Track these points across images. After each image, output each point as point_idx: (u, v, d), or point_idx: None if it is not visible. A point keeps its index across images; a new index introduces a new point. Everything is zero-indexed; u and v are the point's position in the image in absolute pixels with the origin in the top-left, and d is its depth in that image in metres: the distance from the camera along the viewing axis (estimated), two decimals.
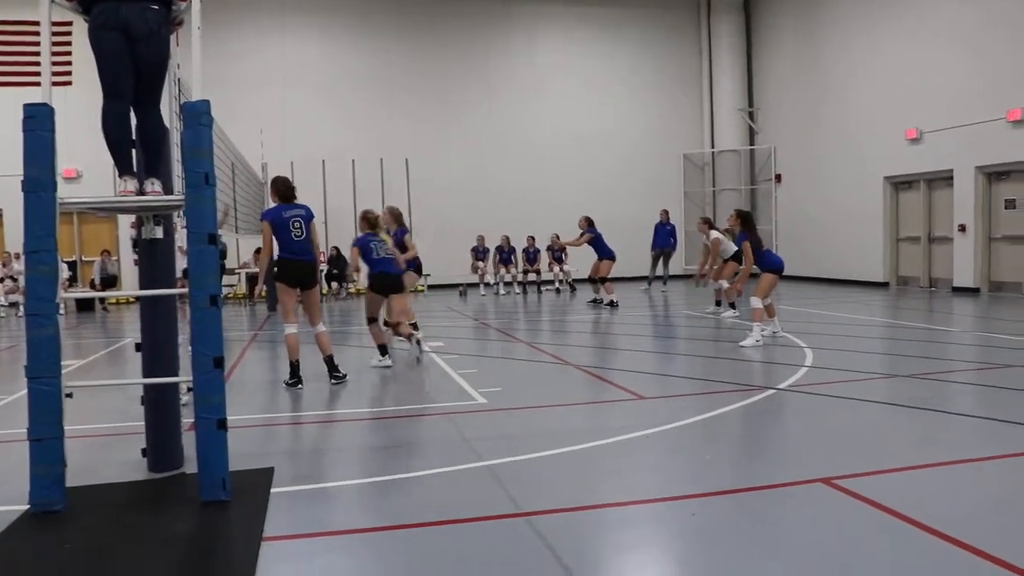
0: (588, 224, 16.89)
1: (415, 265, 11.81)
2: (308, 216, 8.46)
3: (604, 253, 16.38)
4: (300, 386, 8.28)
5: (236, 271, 20.27)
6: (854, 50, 19.88)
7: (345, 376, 8.61)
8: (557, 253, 21.07)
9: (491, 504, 4.53)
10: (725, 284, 13.84)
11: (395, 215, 11.68)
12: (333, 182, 22.08)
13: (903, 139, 18.27)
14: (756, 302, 10.42)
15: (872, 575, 3.52)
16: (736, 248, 13.57)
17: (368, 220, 9.79)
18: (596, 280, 16.55)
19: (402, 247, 10.92)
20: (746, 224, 10.88)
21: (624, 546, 3.99)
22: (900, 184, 19.07)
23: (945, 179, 17.49)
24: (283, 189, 8.52)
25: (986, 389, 7.42)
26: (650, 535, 4.17)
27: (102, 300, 19.21)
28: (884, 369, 8.79)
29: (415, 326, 10.50)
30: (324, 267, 20.65)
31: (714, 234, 14.18)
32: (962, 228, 16.90)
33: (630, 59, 24.57)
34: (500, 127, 23.47)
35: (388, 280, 9.56)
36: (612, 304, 15.66)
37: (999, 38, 15.64)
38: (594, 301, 16.48)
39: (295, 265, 8.32)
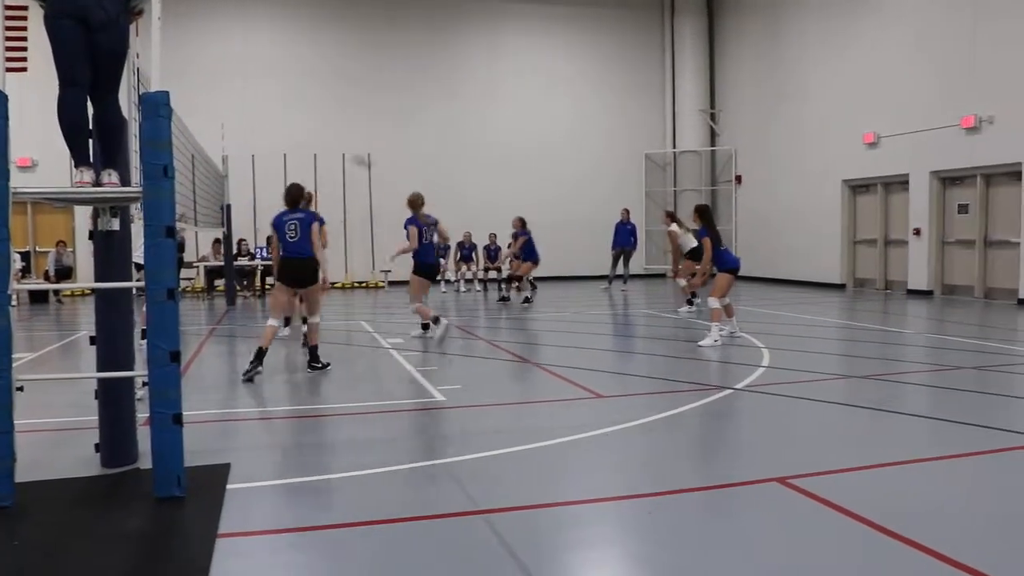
0: (521, 225, 17.12)
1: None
2: (307, 220, 8.73)
3: (530, 255, 16.73)
4: (259, 370, 8.35)
5: (194, 264, 20.01)
6: (815, 55, 20.14)
7: (326, 366, 8.91)
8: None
9: (449, 502, 4.53)
10: (683, 282, 14.01)
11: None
12: (294, 176, 21.84)
13: (861, 143, 18.56)
14: (714, 302, 10.51)
15: (825, 574, 3.58)
16: (696, 244, 13.80)
17: (417, 203, 11.08)
18: (513, 278, 17.05)
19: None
20: (704, 219, 10.94)
21: (581, 544, 4.01)
22: (857, 187, 19.36)
23: (901, 183, 17.80)
24: (288, 195, 8.98)
25: (938, 390, 7.56)
26: (607, 533, 4.20)
27: (56, 292, 18.86)
28: (839, 370, 8.93)
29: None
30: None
31: (672, 227, 14.40)
32: (917, 232, 17.20)
33: (593, 58, 24.66)
34: (463, 124, 23.43)
35: (432, 269, 11.34)
36: (527, 300, 16.54)
37: (955, 46, 15.94)
38: (503, 299, 17.22)
39: (289, 263, 8.74)
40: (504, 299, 17.12)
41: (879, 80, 17.97)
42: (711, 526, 4.20)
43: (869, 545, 3.82)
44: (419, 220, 10.94)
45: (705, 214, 10.99)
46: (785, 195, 21.41)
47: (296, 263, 8.70)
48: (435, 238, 11.23)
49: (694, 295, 13.99)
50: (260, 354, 8.40)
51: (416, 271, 11.15)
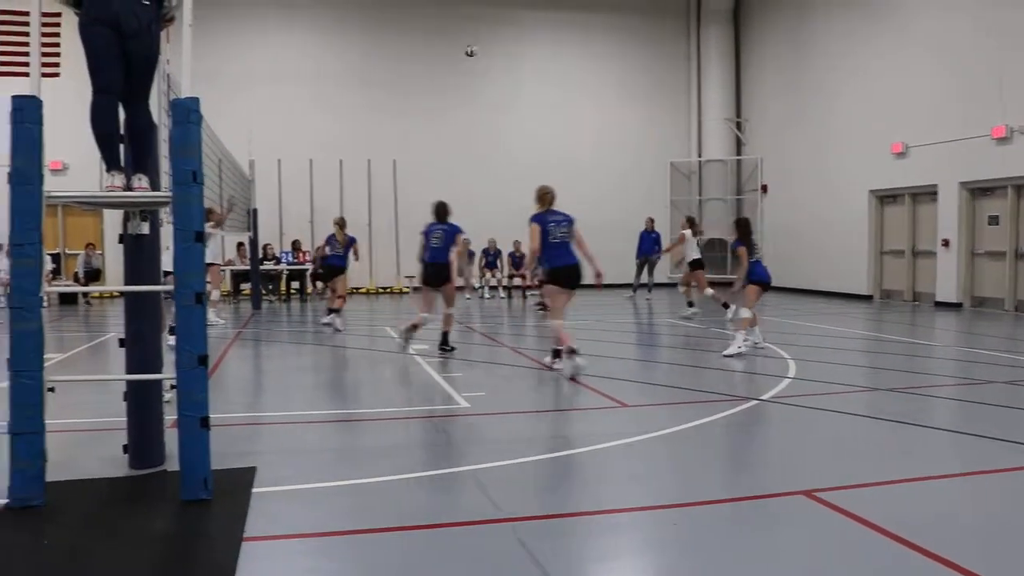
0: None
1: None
2: (452, 231, 10.42)
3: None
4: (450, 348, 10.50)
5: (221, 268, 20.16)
6: (842, 63, 20.00)
7: (453, 349, 10.51)
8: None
9: (474, 509, 4.52)
10: (682, 288, 14.98)
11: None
12: (320, 181, 22.05)
13: (889, 153, 18.39)
14: (746, 312, 10.51)
15: None
16: (697, 256, 15.04)
17: (548, 197, 9.10)
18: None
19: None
20: (741, 231, 10.97)
21: (605, 554, 4.00)
22: (885, 198, 19.20)
23: (930, 194, 17.62)
24: (438, 211, 10.63)
25: (967, 404, 7.47)
26: (631, 544, 4.18)
27: (85, 294, 19.08)
28: (866, 382, 8.84)
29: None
30: (309, 267, 20.62)
31: (685, 231, 15.10)
32: (945, 243, 17.02)
33: (619, 67, 24.63)
34: (488, 131, 23.46)
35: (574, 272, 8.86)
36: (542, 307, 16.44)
37: (985, 56, 15.77)
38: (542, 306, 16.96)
39: (430, 266, 10.48)
40: (543, 306, 16.99)
41: (907, 89, 17.81)
42: (737, 538, 4.16)
43: (897, 560, 3.77)
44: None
45: (744, 227, 11.01)
46: (811, 205, 21.25)
47: (436, 267, 10.41)
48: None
49: (726, 304, 13.89)
50: (445, 337, 10.54)
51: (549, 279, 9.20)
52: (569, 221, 8.92)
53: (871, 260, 19.47)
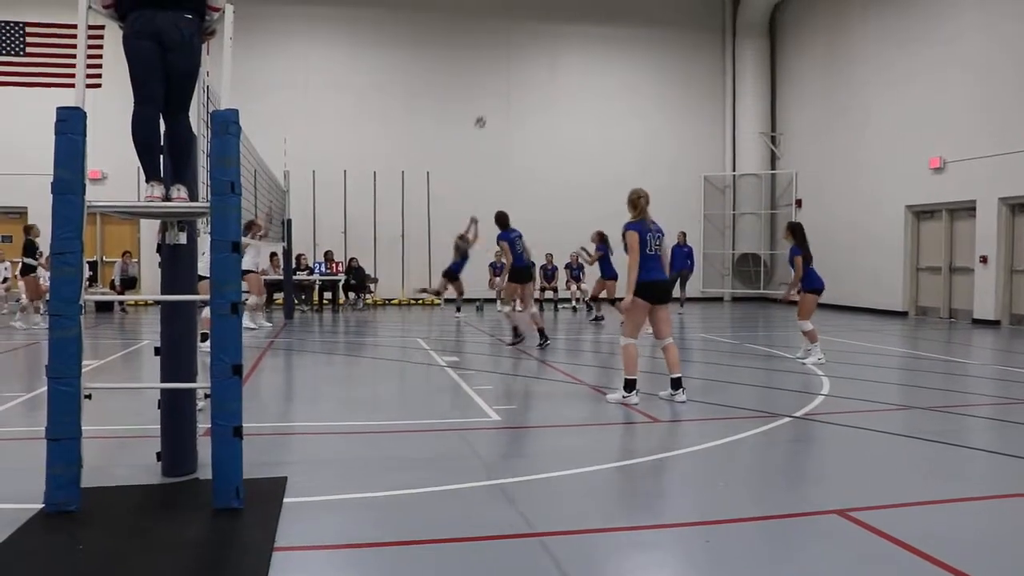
0: (600, 240, 16.96)
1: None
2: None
3: (608, 273, 16.61)
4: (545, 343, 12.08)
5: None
6: (879, 77, 19.83)
7: (547, 340, 12.41)
8: (575, 271, 21.09)
9: (503, 523, 4.51)
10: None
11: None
12: (354, 192, 22.20)
13: (926, 168, 18.19)
14: (807, 324, 10.80)
15: None
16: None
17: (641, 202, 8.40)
18: (596, 299, 17.07)
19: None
20: (797, 237, 11.02)
21: (637, 571, 3.97)
22: (922, 213, 18.98)
23: (968, 209, 17.40)
24: (502, 219, 12.63)
25: (1005, 424, 7.34)
26: (663, 560, 4.14)
27: (121, 302, 19.34)
28: (901, 400, 8.72)
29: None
30: (342, 277, 20.75)
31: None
32: (984, 259, 16.78)
33: (653, 80, 24.61)
34: (521, 144, 23.53)
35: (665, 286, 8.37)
36: (597, 320, 16.97)
37: None
38: (596, 319, 16.96)
39: (519, 269, 12.53)
40: (597, 319, 17.19)
41: (945, 103, 17.62)
42: (769, 557, 4.12)
43: None
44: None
45: (798, 232, 10.99)
46: (847, 220, 21.05)
47: (523, 269, 12.41)
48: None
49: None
50: (541, 333, 12.20)
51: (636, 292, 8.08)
52: (663, 233, 8.42)
53: (907, 276, 19.25)
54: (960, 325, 17.05)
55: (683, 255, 20.26)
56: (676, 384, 8.11)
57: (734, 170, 24.84)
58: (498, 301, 20.63)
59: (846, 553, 4.09)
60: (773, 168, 24.57)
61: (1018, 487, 5.28)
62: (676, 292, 20.11)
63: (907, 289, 19.28)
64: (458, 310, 19.03)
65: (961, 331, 15.94)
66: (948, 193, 17.77)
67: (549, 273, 21.46)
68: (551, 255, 21.39)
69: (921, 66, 18.43)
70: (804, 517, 4.64)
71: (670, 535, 4.42)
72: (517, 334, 12.58)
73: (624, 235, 8.20)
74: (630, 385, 7.98)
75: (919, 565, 3.89)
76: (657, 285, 8.05)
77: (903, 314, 19.13)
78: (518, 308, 13.09)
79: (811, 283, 10.87)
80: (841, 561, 4.00)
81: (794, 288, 10.98)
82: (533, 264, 12.98)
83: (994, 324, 16.45)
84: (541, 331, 12.50)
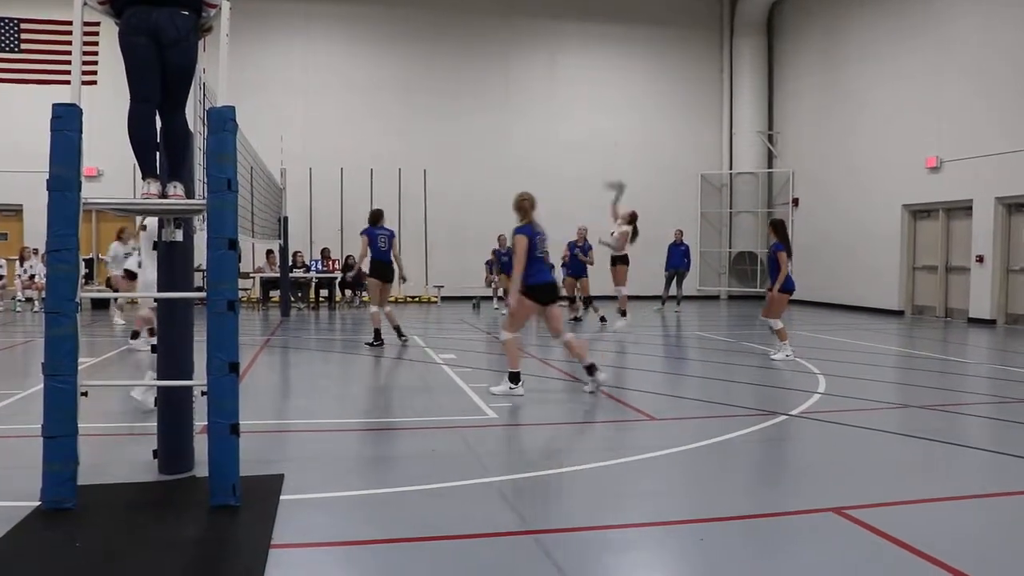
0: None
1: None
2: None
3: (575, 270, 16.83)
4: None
5: (251, 275, 20.35)
6: (876, 77, 19.85)
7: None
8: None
9: (499, 520, 4.52)
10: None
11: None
12: (350, 190, 22.18)
13: (923, 167, 18.22)
14: (777, 323, 10.82)
15: None
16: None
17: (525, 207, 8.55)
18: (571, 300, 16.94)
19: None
20: (780, 234, 11.05)
21: (632, 568, 3.98)
22: (918, 212, 19.00)
23: (964, 209, 17.43)
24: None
25: (1001, 423, 7.36)
26: (658, 558, 4.15)
27: (117, 299, 19.29)
28: (897, 399, 8.73)
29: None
30: (339, 275, 20.74)
31: (623, 228, 14.42)
32: (980, 259, 16.81)
33: (651, 78, 24.62)
34: (518, 142, 23.52)
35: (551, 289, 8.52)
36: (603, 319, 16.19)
37: (1022, 69, 15.59)
38: (602, 319, 16.58)
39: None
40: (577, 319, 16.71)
41: (943, 103, 17.65)
42: (765, 554, 4.12)
43: None
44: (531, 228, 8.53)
45: (781, 228, 11.06)
46: (843, 219, 21.08)
47: (384, 265, 11.89)
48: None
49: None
50: (398, 331, 11.95)
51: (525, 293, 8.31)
52: (547, 237, 8.64)
53: (903, 275, 19.27)
54: (956, 324, 17.08)
55: (679, 253, 20.26)
56: (591, 370, 8.35)
57: (731, 168, 24.86)
58: (495, 299, 20.66)
59: (842, 551, 4.10)
60: (770, 167, 24.59)
61: (1014, 485, 5.30)
62: (673, 290, 20.14)
63: (903, 288, 19.31)
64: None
65: (957, 330, 15.97)
66: (944, 192, 17.80)
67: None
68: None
69: (918, 65, 18.45)
70: (800, 515, 4.65)
71: (665, 533, 4.43)
72: (377, 337, 12.12)
73: (512, 239, 8.43)
74: (515, 377, 8.26)
75: (915, 563, 3.90)
76: (545, 287, 8.40)
77: (899, 313, 19.16)
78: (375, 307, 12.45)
79: (785, 283, 10.87)
80: (837, 559, 4.00)
81: (779, 284, 10.93)
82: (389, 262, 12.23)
83: (990, 323, 16.48)
84: (397, 329, 12.41)
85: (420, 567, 3.90)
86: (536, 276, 8.28)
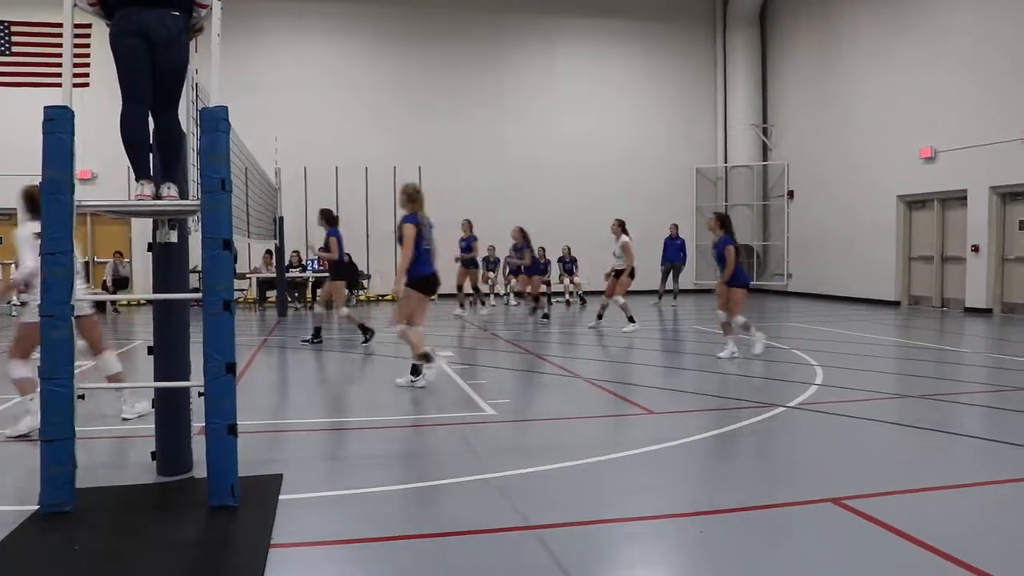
0: (523, 237, 17.22)
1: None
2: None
3: (535, 269, 16.92)
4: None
5: (247, 276, 20.31)
6: (870, 68, 19.86)
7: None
8: (568, 265, 21.10)
9: (499, 517, 4.52)
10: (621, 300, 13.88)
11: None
12: (346, 189, 22.15)
13: (917, 158, 18.23)
14: (741, 319, 10.54)
15: None
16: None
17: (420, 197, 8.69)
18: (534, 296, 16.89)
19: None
20: (727, 228, 10.71)
21: (632, 562, 3.98)
22: (913, 203, 19.01)
23: (959, 199, 17.44)
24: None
25: (997, 412, 7.37)
26: (658, 551, 4.16)
27: (113, 302, 19.28)
28: (894, 389, 8.75)
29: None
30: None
31: (624, 239, 14.15)
32: (975, 248, 16.83)
33: (645, 72, 24.61)
34: (513, 138, 23.50)
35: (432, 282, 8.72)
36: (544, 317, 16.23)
37: (1016, 59, 15.60)
38: (542, 314, 16.62)
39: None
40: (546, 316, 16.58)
41: (936, 94, 17.65)
42: (764, 546, 4.13)
43: (928, 570, 3.73)
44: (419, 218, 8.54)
45: (727, 222, 10.80)
46: (839, 210, 21.10)
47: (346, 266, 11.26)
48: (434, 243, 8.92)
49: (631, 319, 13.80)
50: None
51: (409, 284, 8.51)
52: (434, 227, 8.83)
53: (899, 266, 19.29)
54: (952, 314, 17.11)
55: (675, 247, 20.26)
56: (427, 358, 8.51)
57: (726, 162, 24.86)
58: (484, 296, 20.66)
59: (841, 541, 4.11)
60: (765, 159, 24.59)
61: (1010, 473, 5.31)
62: (669, 284, 20.16)
63: (900, 278, 19.32)
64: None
65: (953, 320, 15.99)
66: (939, 183, 17.81)
67: (542, 267, 21.44)
68: (543, 248, 21.37)
69: (912, 56, 18.45)
70: (799, 506, 4.66)
71: (664, 526, 4.44)
72: (317, 334, 12.41)
73: (401, 227, 8.48)
74: (426, 357, 8.43)
75: (913, 552, 3.91)
76: (430, 278, 8.61)
77: (896, 303, 19.18)
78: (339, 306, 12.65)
79: (740, 278, 10.63)
80: (835, 549, 4.02)
81: (727, 276, 10.60)
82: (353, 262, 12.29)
83: (986, 312, 16.51)
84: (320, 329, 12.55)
85: (420, 564, 3.91)
86: (421, 268, 8.44)
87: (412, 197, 8.59)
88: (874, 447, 6.19)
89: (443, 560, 3.93)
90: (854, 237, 20.45)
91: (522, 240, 17.17)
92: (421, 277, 8.45)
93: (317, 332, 12.36)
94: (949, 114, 17.30)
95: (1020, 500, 4.83)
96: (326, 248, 12.50)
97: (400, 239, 8.49)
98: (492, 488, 5.04)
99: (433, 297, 8.87)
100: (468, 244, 17.43)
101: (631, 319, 13.75)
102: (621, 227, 14.44)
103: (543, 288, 21.14)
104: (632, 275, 14.21)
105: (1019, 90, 15.54)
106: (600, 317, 14.47)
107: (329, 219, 12.64)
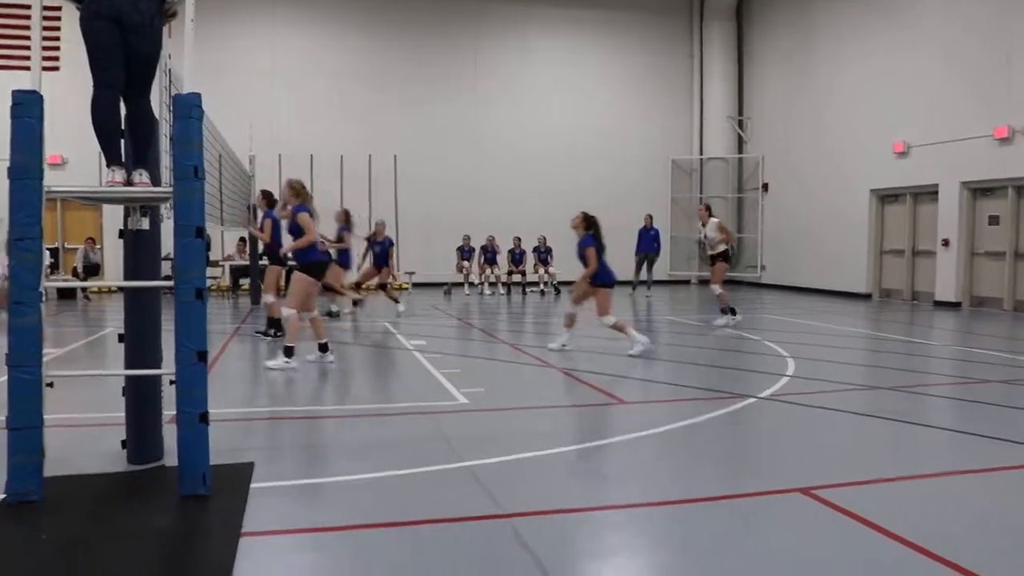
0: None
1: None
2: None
3: (377, 262, 15.77)
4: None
5: (220, 263, 20.16)
6: (845, 62, 20.00)
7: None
8: (543, 255, 21.14)
9: (472, 505, 4.53)
10: (717, 289, 13.48)
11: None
12: (321, 177, 22.01)
13: (890, 152, 18.40)
14: (610, 320, 10.27)
15: None
16: (725, 247, 13.55)
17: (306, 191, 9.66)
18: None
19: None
20: (592, 227, 10.34)
21: (603, 550, 4.00)
22: (886, 197, 19.20)
23: (930, 193, 17.62)
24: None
25: (965, 403, 7.48)
26: (629, 540, 4.18)
27: (84, 288, 19.08)
28: (865, 381, 8.85)
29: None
30: None
31: (715, 220, 13.75)
32: (945, 243, 17.03)
33: (622, 63, 24.63)
34: (489, 127, 23.46)
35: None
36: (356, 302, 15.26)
37: (989, 56, 15.78)
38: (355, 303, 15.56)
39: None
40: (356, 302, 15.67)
41: (910, 89, 17.81)
42: (734, 535, 4.17)
43: (895, 558, 3.78)
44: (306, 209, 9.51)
45: (593, 222, 10.39)
46: (813, 203, 21.26)
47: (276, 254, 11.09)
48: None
49: (732, 311, 13.36)
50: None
51: (304, 268, 9.38)
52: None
53: (871, 259, 19.48)
54: (922, 307, 17.31)
55: (650, 238, 20.35)
56: (324, 348, 9.43)
57: (701, 153, 24.96)
58: (465, 286, 20.67)
59: (810, 531, 4.16)
60: (740, 152, 24.72)
61: (976, 464, 5.39)
62: (643, 275, 20.24)
63: (871, 272, 19.52)
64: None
65: (923, 313, 16.19)
66: (911, 177, 17.98)
67: (517, 257, 21.48)
68: (518, 239, 21.41)
69: (885, 51, 18.60)
70: (768, 496, 4.71)
71: (636, 515, 4.47)
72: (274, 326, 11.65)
73: (297, 216, 9.30)
74: (290, 351, 9.09)
75: (880, 541, 3.96)
76: (322, 264, 9.69)
77: (867, 296, 19.38)
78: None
79: (605, 277, 10.35)
80: (805, 538, 4.06)
81: (588, 274, 10.29)
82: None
83: (955, 306, 16.71)
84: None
85: (392, 552, 3.91)
86: (312, 254, 9.33)
87: (298, 191, 9.47)
88: (843, 438, 6.27)
89: (415, 548, 3.93)
90: (827, 230, 20.62)
91: (344, 222, 15.47)
92: (312, 263, 9.29)
93: (272, 323, 11.61)
94: (922, 109, 17.47)
95: (986, 489, 4.91)
96: (261, 229, 11.96)
97: (298, 229, 9.31)
98: (466, 476, 5.05)
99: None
100: (339, 235, 15.40)
101: (731, 311, 13.24)
102: (708, 211, 14.06)
103: (517, 278, 21.20)
104: (727, 259, 13.80)
105: (991, 87, 15.72)
106: (733, 312, 13.46)
107: (270, 201, 12.11)
